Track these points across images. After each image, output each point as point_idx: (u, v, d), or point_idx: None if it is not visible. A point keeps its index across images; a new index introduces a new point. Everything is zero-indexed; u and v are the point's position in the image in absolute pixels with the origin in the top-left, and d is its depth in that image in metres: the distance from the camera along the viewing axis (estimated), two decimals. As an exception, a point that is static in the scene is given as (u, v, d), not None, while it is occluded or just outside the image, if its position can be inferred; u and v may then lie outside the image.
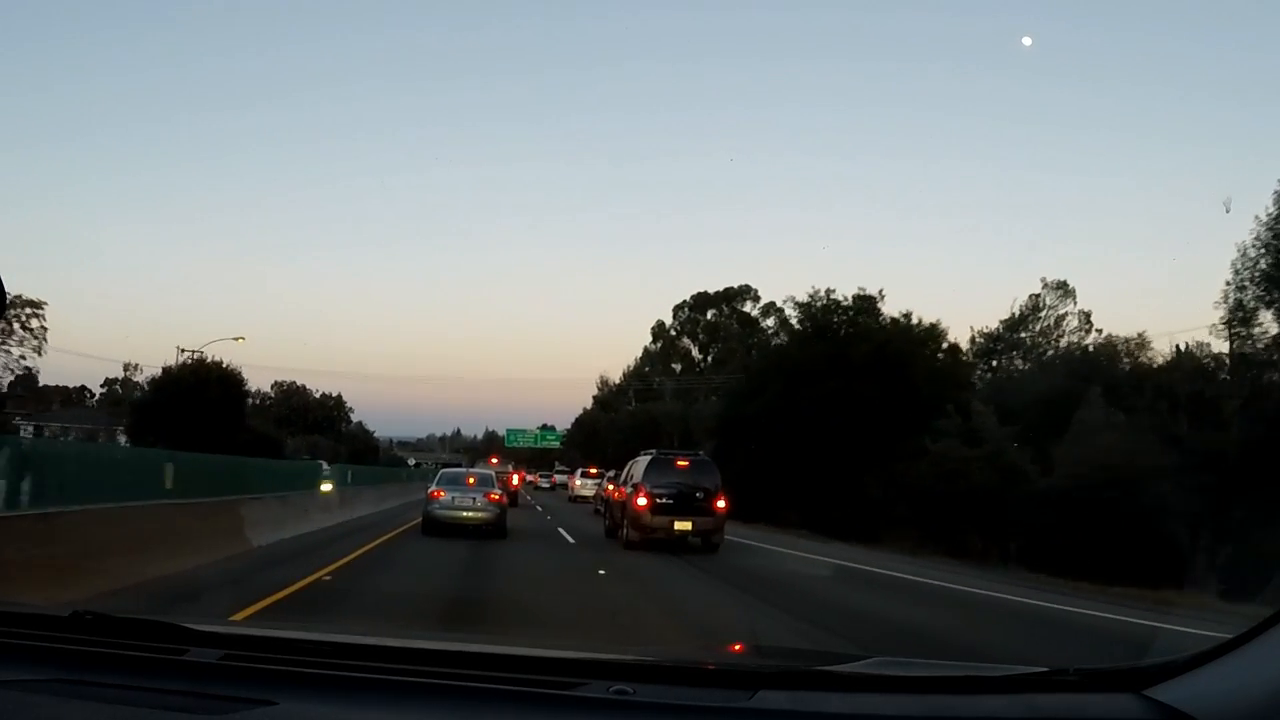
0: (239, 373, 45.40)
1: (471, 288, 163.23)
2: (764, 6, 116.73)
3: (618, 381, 76.27)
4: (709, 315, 70.89)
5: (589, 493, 39.68)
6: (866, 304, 33.22)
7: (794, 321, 33.86)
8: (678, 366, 70.75)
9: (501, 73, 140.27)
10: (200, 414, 38.80)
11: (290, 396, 79.09)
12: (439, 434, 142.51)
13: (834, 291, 33.60)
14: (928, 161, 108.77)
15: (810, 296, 33.91)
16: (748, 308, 70.38)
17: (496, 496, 18.22)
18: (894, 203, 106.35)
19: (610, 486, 24.08)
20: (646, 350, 73.66)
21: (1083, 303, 39.95)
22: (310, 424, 75.85)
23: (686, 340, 71.93)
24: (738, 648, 5.13)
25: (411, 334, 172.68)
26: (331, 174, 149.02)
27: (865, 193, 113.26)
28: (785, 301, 33.34)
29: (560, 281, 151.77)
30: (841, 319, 33.14)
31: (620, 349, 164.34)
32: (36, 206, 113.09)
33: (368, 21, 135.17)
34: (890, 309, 32.97)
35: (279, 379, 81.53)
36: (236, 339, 48.37)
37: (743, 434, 33.31)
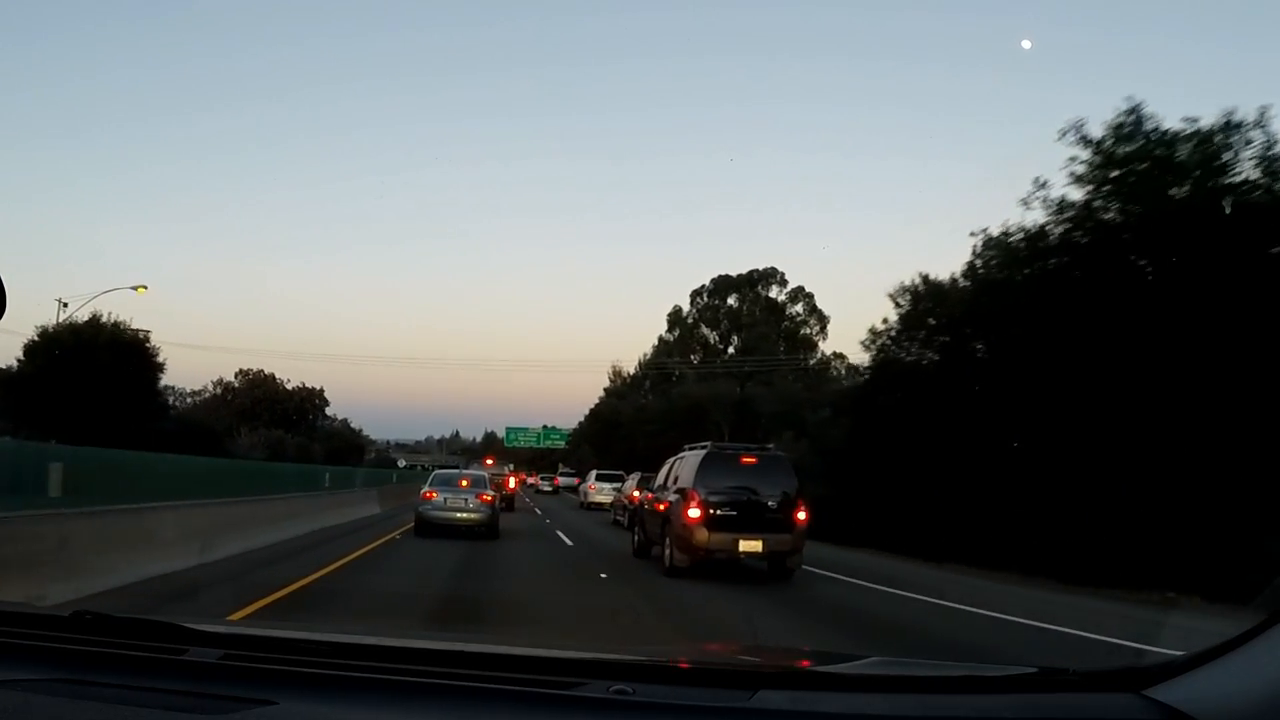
0: (144, 338, 34.76)
1: (471, 288, 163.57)
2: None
3: (632, 372, 67.66)
4: (730, 302, 64.49)
5: (605, 498, 33.71)
6: (1209, 146, 15.57)
7: (1080, 173, 16.77)
8: (695, 359, 63.38)
9: (502, 69, 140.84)
10: (91, 392, 29.40)
11: (256, 386, 68.61)
12: (437, 436, 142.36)
13: (1152, 116, 16.34)
14: (927, 160, 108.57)
15: (1110, 129, 16.57)
16: (774, 293, 63.52)
17: (489, 498, 18.47)
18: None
19: (637, 492, 20.86)
20: (661, 339, 66.56)
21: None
22: (278, 417, 65.86)
23: (705, 329, 65.09)
24: (738, 648, 5.12)
25: (411, 334, 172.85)
26: (332, 174, 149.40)
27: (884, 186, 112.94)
28: (1063, 134, 16.87)
29: (563, 281, 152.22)
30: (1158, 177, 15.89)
31: (628, 348, 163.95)
32: (37, 205, 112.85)
33: (370, 20, 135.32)
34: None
35: (246, 367, 70.47)
36: (136, 289, 32.61)
37: (902, 408, 20.48)
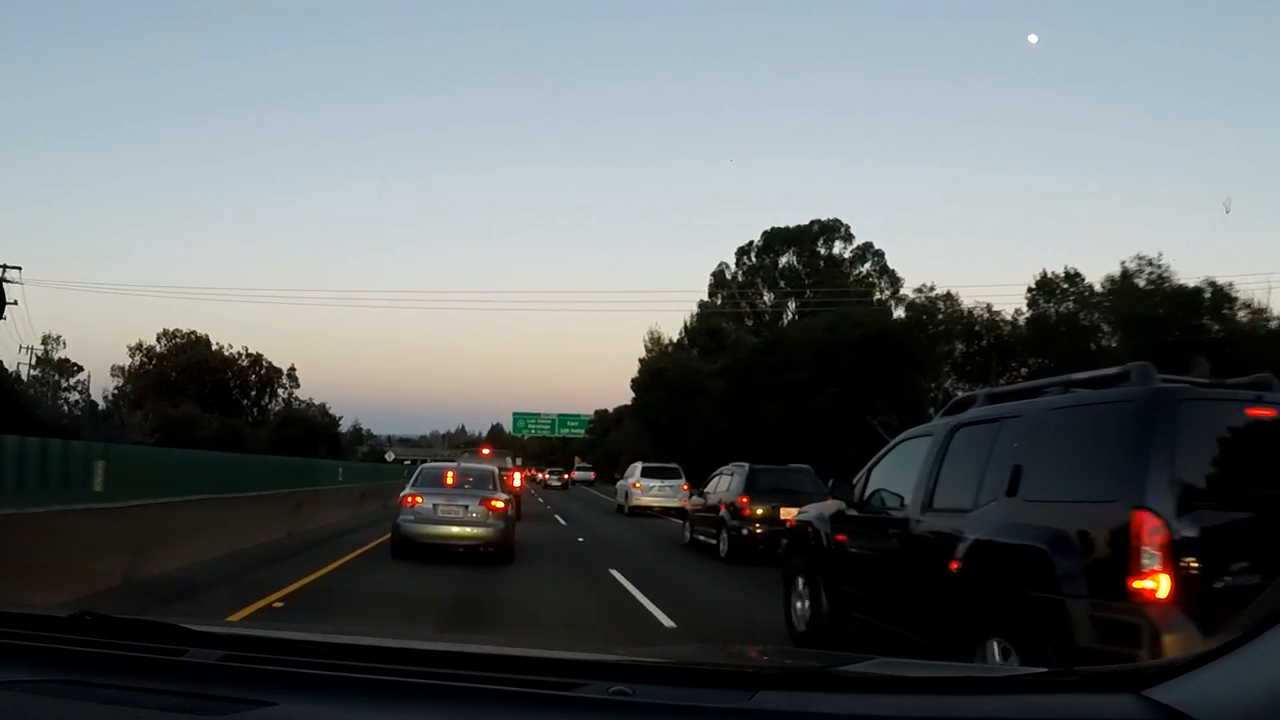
0: None
1: (476, 283, 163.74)
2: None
3: (675, 338, 55.40)
4: (784, 260, 54.41)
5: (660, 501, 25.75)
6: None
7: None
8: (732, 328, 52.43)
9: (499, 69, 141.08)
10: None
11: (181, 352, 54.92)
12: (441, 431, 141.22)
13: None
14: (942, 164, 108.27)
15: None
16: (836, 249, 53.89)
17: (500, 504, 12.91)
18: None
19: (745, 498, 14.52)
20: (702, 305, 55.47)
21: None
22: (211, 391, 52.33)
23: (759, 287, 55.50)
24: (738, 648, 5.11)
25: (412, 330, 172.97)
26: (333, 176, 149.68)
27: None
28: None
29: (567, 277, 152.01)
30: None
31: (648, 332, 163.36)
32: (40, 206, 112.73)
33: (368, 20, 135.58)
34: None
35: (176, 328, 56.78)
36: None
37: None
